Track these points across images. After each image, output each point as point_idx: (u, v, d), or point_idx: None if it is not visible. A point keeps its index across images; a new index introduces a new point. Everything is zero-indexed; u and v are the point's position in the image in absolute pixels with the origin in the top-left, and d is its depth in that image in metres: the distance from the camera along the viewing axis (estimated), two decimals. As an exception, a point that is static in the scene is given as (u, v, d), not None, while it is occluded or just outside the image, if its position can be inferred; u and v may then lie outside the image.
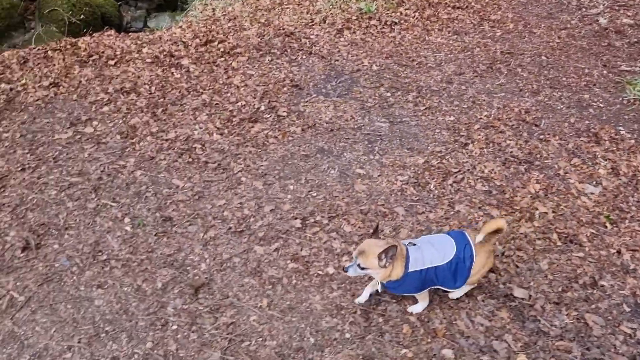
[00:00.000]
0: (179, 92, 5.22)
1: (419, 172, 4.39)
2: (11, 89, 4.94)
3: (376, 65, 5.99)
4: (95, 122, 4.71)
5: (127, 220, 3.81)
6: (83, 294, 3.31)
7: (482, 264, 3.10)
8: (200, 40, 6.33)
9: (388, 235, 3.79)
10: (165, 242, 3.66)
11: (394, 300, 3.30)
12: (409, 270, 2.97)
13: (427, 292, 3.18)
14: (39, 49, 5.93)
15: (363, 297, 3.31)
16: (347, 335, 3.11)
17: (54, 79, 5.17)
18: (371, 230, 3.17)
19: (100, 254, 3.55)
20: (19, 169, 4.16)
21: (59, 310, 3.21)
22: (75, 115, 4.78)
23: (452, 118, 5.13)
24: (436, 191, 4.21)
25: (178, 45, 6.21)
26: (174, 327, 3.15)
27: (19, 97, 4.88)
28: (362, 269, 2.94)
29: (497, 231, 3.02)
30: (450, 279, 3.04)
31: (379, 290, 3.16)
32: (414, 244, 3.05)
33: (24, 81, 5.05)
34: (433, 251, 3.02)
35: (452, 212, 4.01)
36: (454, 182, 4.31)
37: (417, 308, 3.26)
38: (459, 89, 5.64)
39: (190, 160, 4.37)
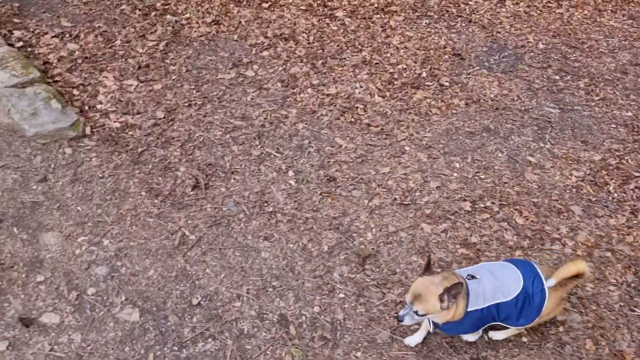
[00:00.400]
0: (338, 45, 5.01)
1: (596, 170, 4.00)
2: (176, 22, 4.91)
3: (542, 44, 5.49)
4: (255, 66, 4.61)
5: (290, 173, 3.71)
6: (250, 243, 3.26)
7: (549, 310, 2.64)
8: (352, -8, 6.05)
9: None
10: (329, 204, 3.54)
11: (575, 310, 3.03)
12: (469, 310, 2.52)
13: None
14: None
15: (415, 339, 2.85)
16: (524, 339, 2.89)
17: (215, 17, 5.09)
18: (423, 266, 2.61)
19: (266, 204, 3.49)
20: (186, 104, 4.15)
21: (227, 255, 3.19)
22: (237, 56, 4.70)
23: (629, 114, 4.63)
24: (616, 194, 3.82)
25: (330, -5, 5.96)
26: (341, 295, 3.04)
27: (184, 31, 4.85)
28: (421, 315, 2.49)
29: (577, 276, 2.56)
30: (515, 315, 2.59)
31: (431, 330, 2.74)
32: (473, 276, 2.58)
33: (188, 15, 5.01)
34: (496, 284, 2.55)
35: (635, 222, 3.62)
36: (636, 188, 3.89)
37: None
38: (636, 82, 5.07)
39: (352, 120, 4.19)
